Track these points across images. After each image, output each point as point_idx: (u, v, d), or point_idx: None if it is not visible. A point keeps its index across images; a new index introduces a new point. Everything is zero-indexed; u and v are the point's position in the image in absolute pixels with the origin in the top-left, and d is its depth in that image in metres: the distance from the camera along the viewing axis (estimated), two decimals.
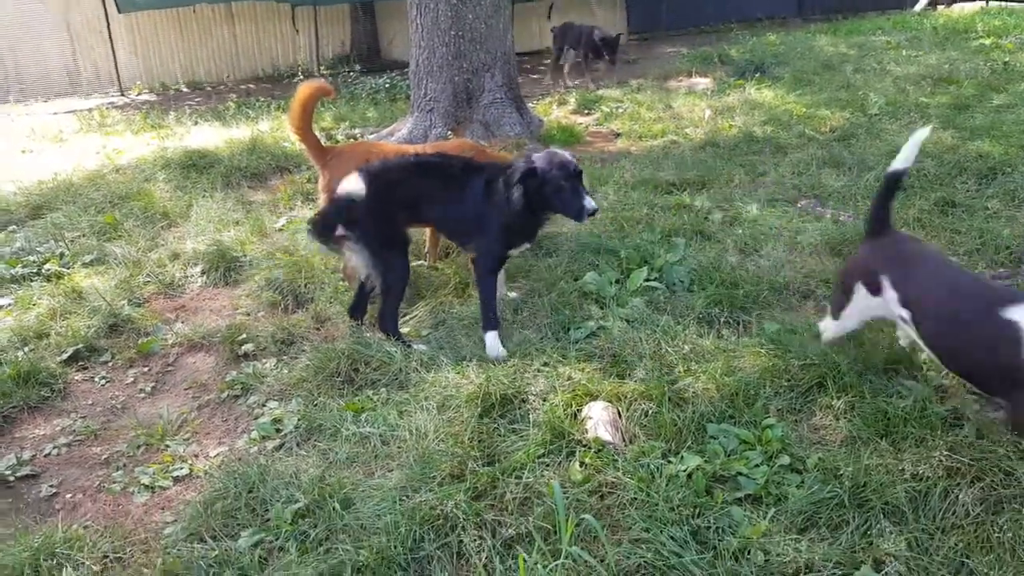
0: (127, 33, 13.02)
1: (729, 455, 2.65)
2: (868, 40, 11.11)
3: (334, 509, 2.53)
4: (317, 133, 5.12)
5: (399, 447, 2.84)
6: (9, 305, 4.36)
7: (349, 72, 12.12)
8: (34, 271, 4.76)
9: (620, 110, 8.23)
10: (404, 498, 2.54)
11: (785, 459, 2.61)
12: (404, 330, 3.75)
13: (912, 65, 8.94)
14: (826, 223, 4.64)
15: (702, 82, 9.49)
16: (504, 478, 2.61)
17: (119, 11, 12.65)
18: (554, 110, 8.55)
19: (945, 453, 2.50)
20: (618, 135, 7.35)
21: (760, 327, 3.48)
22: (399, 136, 6.75)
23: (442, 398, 3.07)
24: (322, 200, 4.14)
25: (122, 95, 12.73)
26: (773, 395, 2.96)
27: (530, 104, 8.12)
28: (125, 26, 12.95)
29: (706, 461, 2.60)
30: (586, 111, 8.44)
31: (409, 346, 3.52)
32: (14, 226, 5.68)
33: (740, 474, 2.56)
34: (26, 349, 3.86)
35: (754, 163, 5.92)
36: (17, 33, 12.95)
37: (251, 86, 12.61)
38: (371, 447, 2.89)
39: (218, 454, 3.08)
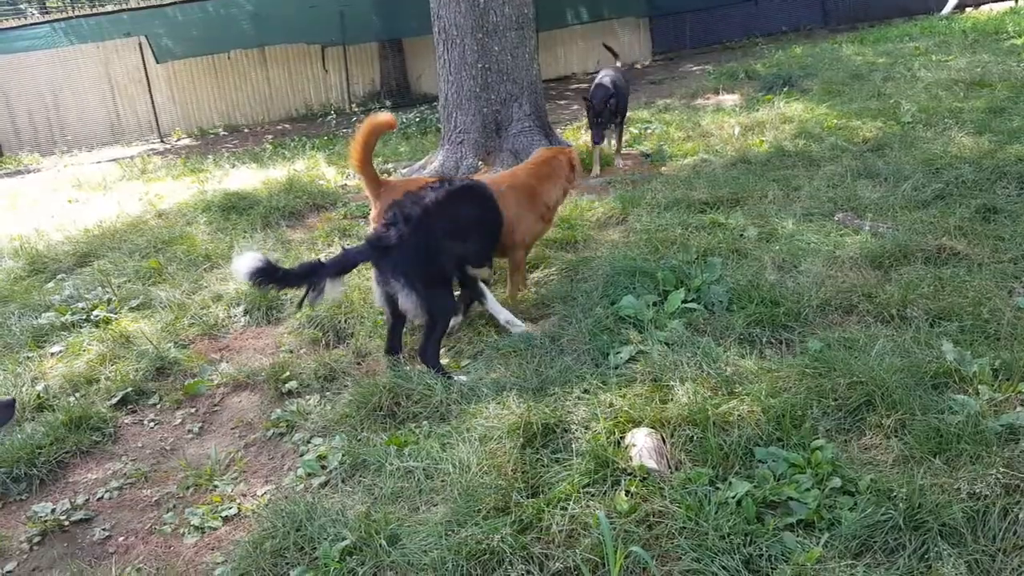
0: (165, 82, 13.51)
1: (778, 479, 2.60)
2: (896, 47, 10.98)
3: (381, 546, 2.53)
4: (350, 169, 5.22)
5: (443, 481, 2.84)
6: (60, 352, 4.50)
7: (380, 108, 12.35)
8: (83, 318, 4.89)
9: (648, 131, 8.23)
10: (450, 533, 2.54)
11: (836, 481, 2.54)
12: (443, 361, 3.77)
13: (943, 70, 8.80)
14: (865, 236, 4.56)
15: (730, 99, 9.45)
16: (549, 510, 2.59)
17: (157, 61, 13.15)
18: (582, 135, 8.59)
19: (1003, 470, 2.42)
20: (647, 156, 7.35)
21: (803, 345, 3.42)
22: (431, 169, 6.85)
23: (484, 429, 3.06)
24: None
25: (162, 141, 13.18)
26: (821, 416, 2.89)
27: (558, 130, 8.17)
28: (163, 75, 13.44)
29: (755, 486, 2.55)
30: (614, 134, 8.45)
31: (450, 378, 3.54)
32: (63, 274, 5.88)
33: (791, 499, 2.51)
34: (77, 395, 3.97)
35: (787, 178, 5.85)
36: (62, 88, 13.53)
37: (286, 127, 12.94)
38: (415, 481, 2.89)
39: (265, 492, 3.11)
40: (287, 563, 2.59)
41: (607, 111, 6.64)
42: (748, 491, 2.52)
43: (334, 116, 12.42)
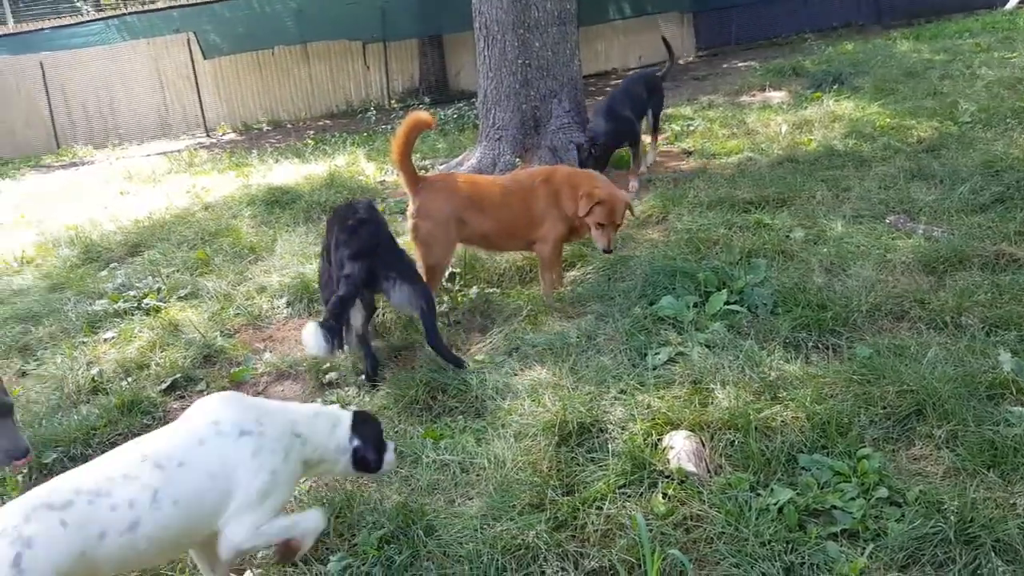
0: (212, 77, 13.81)
1: (822, 487, 2.54)
2: (955, 44, 10.63)
3: (418, 536, 2.55)
4: (389, 165, 5.25)
5: (478, 475, 2.85)
6: (113, 338, 4.63)
7: (419, 104, 12.45)
8: (134, 305, 5.03)
9: (691, 128, 8.13)
10: (485, 526, 2.55)
11: (883, 492, 2.48)
12: (479, 357, 3.78)
13: (1005, 68, 8.48)
14: (918, 240, 4.42)
15: (776, 96, 9.27)
16: (584, 508, 2.59)
17: (204, 57, 13.45)
18: None
19: None
20: (690, 153, 7.25)
21: (851, 351, 3.34)
22: (469, 165, 6.86)
23: (519, 426, 3.07)
24: (409, 225, 4.31)
25: (208, 136, 13.48)
26: (868, 424, 2.82)
27: None
28: (210, 71, 13.73)
29: (798, 494, 2.50)
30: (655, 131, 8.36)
31: (461, 365, 3.59)
32: (115, 263, 6.05)
33: (835, 507, 2.45)
34: (129, 379, 4.08)
35: (837, 178, 5.72)
36: (114, 83, 13.92)
37: (327, 122, 13.11)
38: (451, 474, 2.91)
39: (306, 480, 3.15)
40: (328, 549, 2.62)
41: (591, 159, 5.98)
42: (790, 498, 2.48)
43: (374, 112, 12.55)
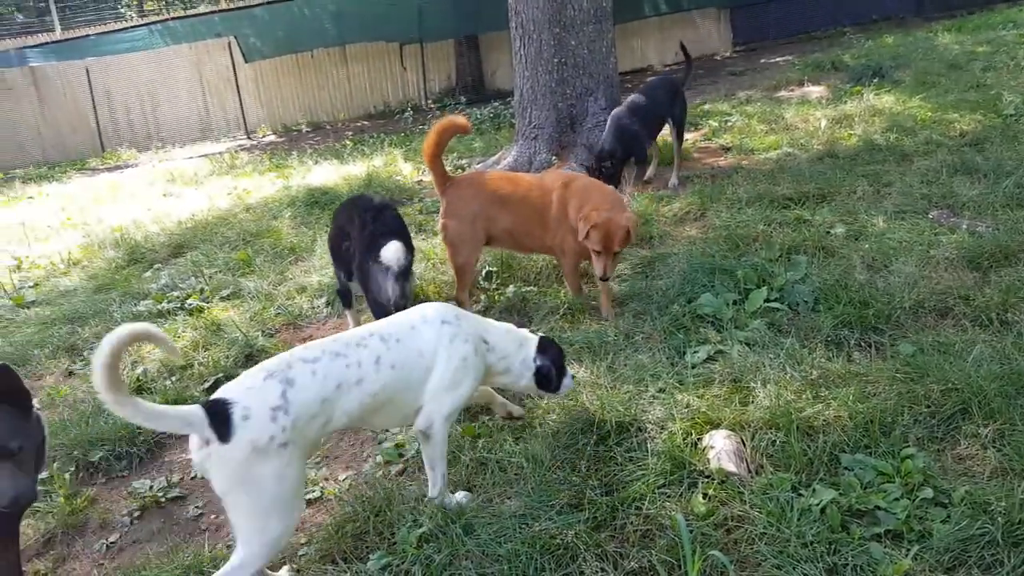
0: (252, 80, 14.06)
1: (865, 488, 2.50)
2: (999, 35, 10.34)
3: (457, 535, 2.57)
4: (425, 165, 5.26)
5: (516, 474, 2.87)
6: None
7: (455, 104, 12.51)
8: (178, 306, 5.15)
9: (729, 123, 8.04)
10: (524, 526, 2.56)
11: (928, 492, 2.44)
12: None
13: None
14: (962, 235, 4.32)
15: (815, 90, 9.12)
16: (623, 509, 2.59)
17: (245, 60, 13.70)
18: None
19: None
20: (728, 149, 7.18)
21: (895, 349, 3.28)
22: (505, 164, 6.88)
23: (557, 425, 3.08)
24: (439, 225, 4.36)
25: (248, 138, 13.72)
26: (912, 423, 2.77)
27: None
28: (250, 74, 13.98)
29: (840, 494, 2.47)
30: (692, 127, 8.29)
31: None
32: (159, 264, 6.21)
33: (878, 508, 2.42)
34: (173, 379, 4.18)
35: (878, 173, 5.61)
36: (157, 87, 14.25)
37: (365, 123, 13.25)
38: (489, 473, 2.92)
39: (346, 478, 3.21)
40: (367, 547, 2.66)
41: (602, 178, 5.43)
42: (833, 499, 2.44)
43: (411, 113, 12.64)
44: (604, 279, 3.93)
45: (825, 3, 14.98)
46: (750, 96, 9.43)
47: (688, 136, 7.88)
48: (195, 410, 2.24)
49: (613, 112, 6.17)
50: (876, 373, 3.08)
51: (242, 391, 2.33)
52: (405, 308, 3.84)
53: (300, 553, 2.76)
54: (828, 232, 4.63)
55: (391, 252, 3.66)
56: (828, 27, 14.55)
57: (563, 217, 4.06)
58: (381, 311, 3.75)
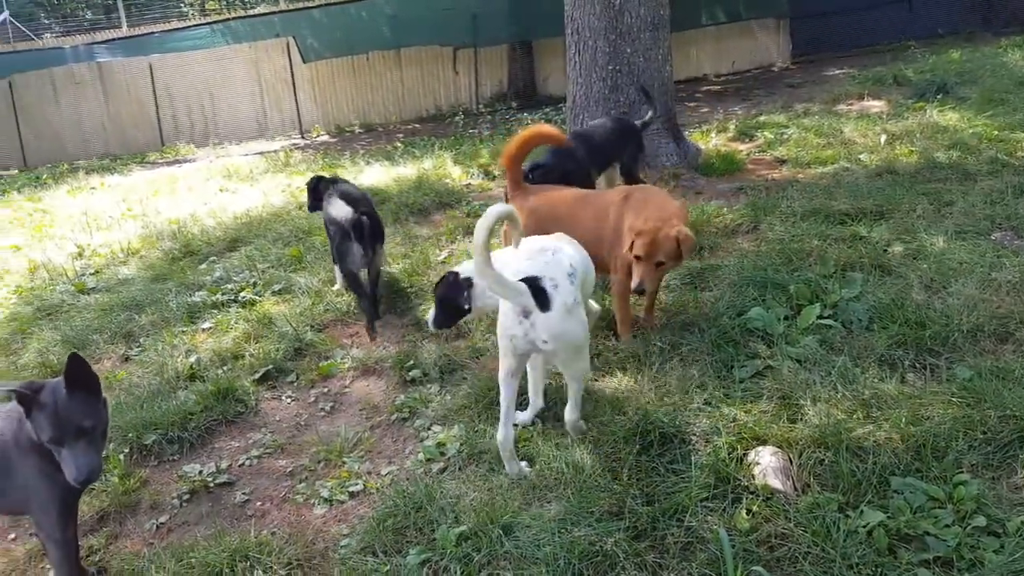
0: (308, 81, 14.37)
1: (915, 512, 2.44)
2: None
3: (496, 536, 2.59)
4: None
5: (556, 479, 2.87)
6: (210, 328, 4.89)
7: (506, 109, 12.58)
8: (231, 298, 5.29)
9: (784, 136, 7.90)
10: (563, 531, 2.56)
11: (981, 520, 2.36)
12: None
13: None
14: None
15: (875, 105, 8.91)
16: (664, 520, 2.57)
17: (303, 61, 14.00)
18: (712, 138, 8.38)
19: None
20: (783, 162, 7.06)
21: (951, 372, 3.19)
22: None
23: (599, 432, 3.07)
24: (503, 232, 4.31)
25: (303, 137, 14.01)
26: (966, 449, 2.69)
27: (687, 132, 8.00)
28: (306, 75, 14.28)
29: (889, 517, 2.41)
30: (747, 138, 8.18)
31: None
32: (214, 257, 6.37)
33: (928, 534, 2.35)
34: (224, 368, 4.30)
35: (939, 191, 5.45)
36: (216, 85, 14.66)
37: (416, 126, 13.41)
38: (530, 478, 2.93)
39: (388, 473, 3.25)
40: (407, 541, 2.70)
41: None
42: (881, 521, 2.39)
43: (462, 117, 12.76)
44: (639, 291, 3.58)
45: (889, 16, 14.62)
46: (807, 109, 9.26)
47: (741, 147, 7.80)
48: (522, 285, 2.74)
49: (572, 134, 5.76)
50: (931, 396, 3.00)
51: (540, 266, 2.86)
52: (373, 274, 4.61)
53: (342, 544, 2.82)
54: (885, 250, 4.52)
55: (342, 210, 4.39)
56: (892, 40, 14.20)
57: (618, 232, 3.76)
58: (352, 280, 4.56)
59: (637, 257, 3.54)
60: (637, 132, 5.95)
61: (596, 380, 3.54)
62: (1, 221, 8.92)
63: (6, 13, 28.93)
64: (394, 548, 2.69)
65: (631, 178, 5.76)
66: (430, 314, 3.69)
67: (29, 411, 2.34)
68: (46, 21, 32.43)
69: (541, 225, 3.95)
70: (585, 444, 2.99)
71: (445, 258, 5.61)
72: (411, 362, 4.08)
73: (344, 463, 3.36)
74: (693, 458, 2.82)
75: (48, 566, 2.89)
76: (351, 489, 3.17)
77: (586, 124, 6.45)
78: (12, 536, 3.20)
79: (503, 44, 14.29)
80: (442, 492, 2.91)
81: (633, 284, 3.57)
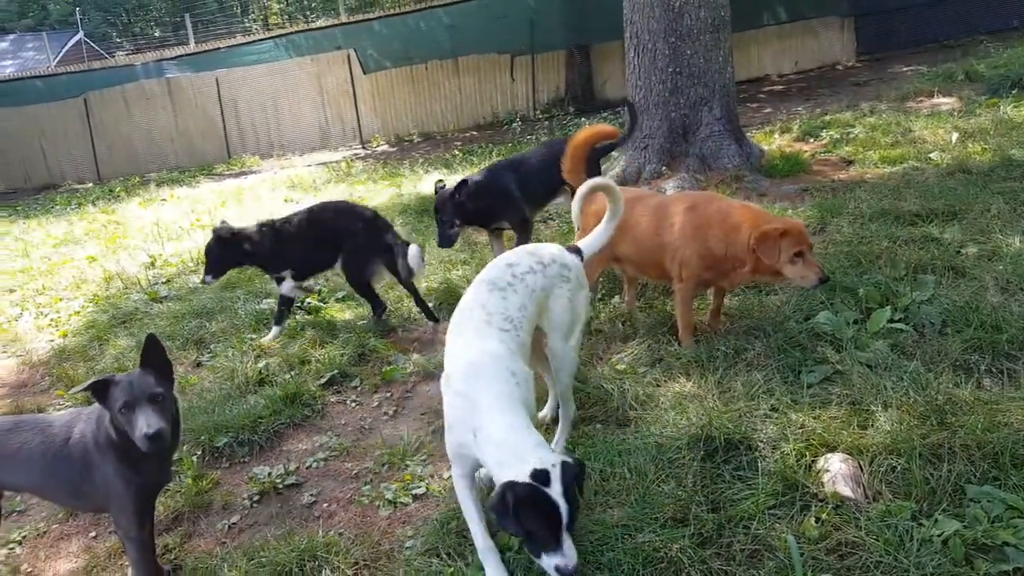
0: (368, 92, 14.66)
1: (993, 522, 2.34)
2: None
3: None
4: None
5: (619, 484, 2.85)
6: (279, 335, 5.03)
7: (564, 115, 12.58)
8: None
9: (850, 135, 7.69)
10: (627, 536, 2.55)
11: None
12: (620, 367, 3.77)
13: None
14: None
15: (946, 102, 8.58)
16: (730, 527, 2.53)
17: (364, 72, 14.31)
18: (776, 138, 8.21)
19: None
20: (850, 162, 6.86)
21: None
22: (613, 174, 6.86)
23: (662, 438, 3.04)
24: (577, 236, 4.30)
25: (363, 147, 14.31)
26: None
27: (749, 133, 7.86)
28: (367, 86, 14.59)
29: (965, 526, 2.32)
30: (811, 138, 7.99)
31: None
32: None
33: (1007, 544, 2.25)
34: (292, 373, 4.42)
35: (1015, 191, 5.21)
36: (281, 98, 15.09)
37: (474, 133, 13.54)
38: (591, 482, 2.92)
39: (450, 476, 3.28)
40: (469, 544, 2.71)
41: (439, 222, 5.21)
42: (957, 531, 2.30)
43: (519, 123, 12.82)
44: (825, 279, 3.42)
45: (958, 9, 14.05)
46: (874, 107, 8.98)
47: (806, 147, 7.61)
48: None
49: (493, 163, 5.55)
50: (1008, 402, 2.87)
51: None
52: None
53: (406, 545, 2.86)
54: (958, 251, 4.35)
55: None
56: (962, 36, 13.64)
57: (690, 241, 3.67)
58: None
59: (798, 254, 3.40)
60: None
61: (658, 385, 3.51)
62: (78, 233, 9.39)
63: (80, 33, 30.58)
64: (457, 551, 2.72)
65: None
66: None
67: (105, 395, 2.45)
68: (118, 40, 34.17)
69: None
70: (647, 450, 2.96)
71: None
72: None
73: (407, 466, 3.41)
74: (760, 465, 2.76)
75: (127, 563, 3.03)
76: (414, 492, 3.22)
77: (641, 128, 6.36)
78: (93, 534, 3.34)
79: (560, 50, 14.30)
80: None
81: (816, 276, 3.41)
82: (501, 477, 2.25)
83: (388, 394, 4.16)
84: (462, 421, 2.49)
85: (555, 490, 2.17)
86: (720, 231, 3.61)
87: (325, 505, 3.28)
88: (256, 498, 3.37)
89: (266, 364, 4.51)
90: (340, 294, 5.51)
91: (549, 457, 2.24)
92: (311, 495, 3.35)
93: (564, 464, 2.22)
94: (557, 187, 5.38)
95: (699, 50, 6.53)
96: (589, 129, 4.17)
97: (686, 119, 6.66)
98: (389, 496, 3.20)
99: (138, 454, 2.48)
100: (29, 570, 3.14)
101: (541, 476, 2.18)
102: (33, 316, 6.43)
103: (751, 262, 3.52)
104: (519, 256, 2.98)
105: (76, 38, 30.26)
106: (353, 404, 4.11)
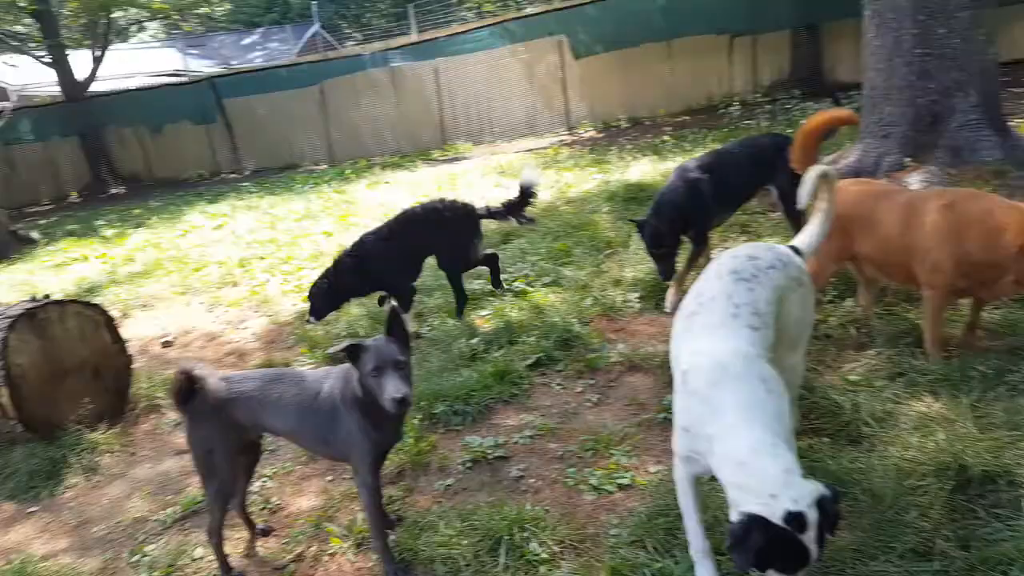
0: (578, 77, 14.71)
1: None
2: None
3: None
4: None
5: (850, 506, 2.62)
6: (488, 315, 5.24)
7: (788, 98, 11.77)
8: (507, 288, 5.62)
9: None
10: (857, 562, 2.35)
11: None
12: (852, 377, 3.46)
13: None
14: None
15: None
16: (984, 569, 2.24)
17: (575, 58, 14.41)
18: None
19: None
20: None
21: None
22: (845, 164, 6.30)
23: (903, 462, 2.75)
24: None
25: (569, 133, 14.42)
26: None
27: (1013, 123, 6.83)
28: (576, 72, 14.65)
29: None
30: None
31: None
32: (491, 249, 6.79)
33: None
34: (500, 352, 4.57)
35: None
36: (493, 86, 15.61)
37: (685, 119, 13.12)
38: None
39: (656, 472, 3.23)
40: (677, 544, 2.65)
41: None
42: None
43: (738, 107, 12.21)
44: None
45: None
46: None
47: None
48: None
49: (679, 166, 5.03)
50: None
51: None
52: None
53: (611, 532, 2.86)
54: None
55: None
56: None
57: (945, 242, 3.31)
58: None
59: None
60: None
61: (898, 402, 3.17)
62: (315, 210, 10.39)
63: (317, 25, 33.77)
64: (664, 547, 2.66)
65: (790, 210, 4.69)
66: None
67: (358, 357, 2.70)
68: (347, 31, 37.32)
69: (844, 225, 3.56)
70: (886, 471, 2.69)
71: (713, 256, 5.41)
72: None
73: (611, 455, 3.39)
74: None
75: (358, 508, 3.32)
76: (619, 481, 3.19)
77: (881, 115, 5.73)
78: (329, 478, 3.70)
79: (785, 29, 13.38)
80: (715, 501, 2.80)
81: None
82: (740, 503, 2.04)
83: (592, 381, 4.16)
84: (698, 426, 2.24)
85: (809, 537, 1.95)
86: (980, 233, 3.20)
87: (531, 481, 3.36)
88: (468, 465, 3.54)
89: (479, 340, 4.70)
90: (546, 279, 5.61)
91: (803, 493, 1.97)
92: (518, 469, 3.44)
93: (822, 503, 1.96)
94: (755, 190, 5.07)
95: (955, 28, 5.77)
96: (824, 114, 3.84)
97: (935, 106, 5.93)
98: (594, 482, 3.22)
99: (380, 413, 2.70)
100: (277, 501, 3.57)
101: (797, 521, 1.94)
102: (280, 281, 7.23)
103: (1016, 271, 3.07)
104: (758, 250, 2.71)
105: (313, 30, 33.45)
106: (558, 387, 4.17)
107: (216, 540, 3.06)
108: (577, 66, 14.62)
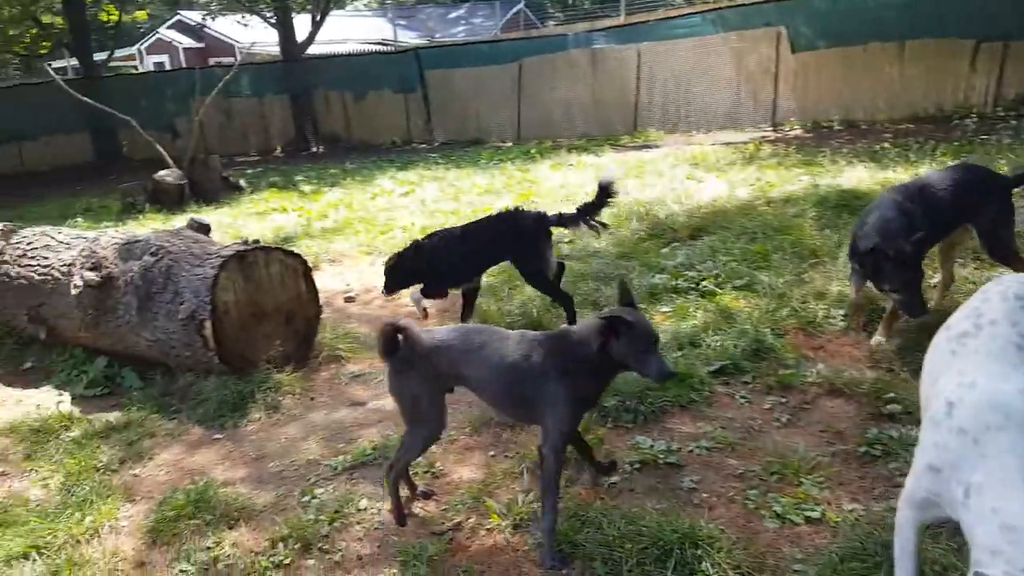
0: (792, 72, 13.75)
1: None
2: None
3: None
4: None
5: None
6: (669, 312, 5.02)
7: None
8: (692, 286, 5.35)
9: None
10: None
11: None
12: None
13: None
14: None
15: None
16: None
17: (792, 51, 13.48)
18: None
19: None
20: None
21: None
22: None
23: None
24: None
25: (774, 130, 13.56)
26: None
27: None
28: (791, 66, 13.70)
29: None
30: None
31: None
32: (677, 243, 6.54)
33: None
34: (681, 353, 4.35)
35: None
36: (697, 74, 15.00)
37: (909, 126, 11.88)
38: None
39: (852, 510, 2.92)
40: None
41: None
42: None
43: (974, 120, 10.84)
44: None
45: None
46: None
47: None
48: None
49: (884, 193, 4.47)
50: None
51: None
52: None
53: (795, 568, 2.63)
54: None
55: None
56: None
57: None
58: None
59: None
60: (996, 186, 4.37)
61: None
62: (498, 186, 10.55)
63: (522, 3, 34.30)
64: None
65: (995, 249, 4.37)
66: None
67: (617, 333, 2.72)
68: (551, 10, 37.54)
69: None
70: None
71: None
72: (891, 394, 3.59)
73: (800, 483, 3.12)
74: None
75: (518, 488, 3.30)
76: (807, 513, 2.93)
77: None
78: (492, 452, 3.71)
79: None
80: (930, 558, 2.47)
81: None
82: (985, 566, 1.73)
83: (783, 399, 3.86)
84: (954, 470, 1.93)
85: None
86: None
87: (705, 495, 3.17)
88: (636, 466, 3.40)
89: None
90: (738, 282, 5.28)
91: None
92: (692, 480, 3.26)
93: None
94: (954, 226, 4.38)
95: None
96: None
97: None
98: (778, 509, 2.98)
99: (586, 383, 2.85)
100: (440, 468, 3.61)
101: None
102: None
103: None
104: None
105: (517, 7, 34.08)
106: (742, 400, 3.91)
107: (400, 481, 3.19)
108: (793, 60, 13.67)
